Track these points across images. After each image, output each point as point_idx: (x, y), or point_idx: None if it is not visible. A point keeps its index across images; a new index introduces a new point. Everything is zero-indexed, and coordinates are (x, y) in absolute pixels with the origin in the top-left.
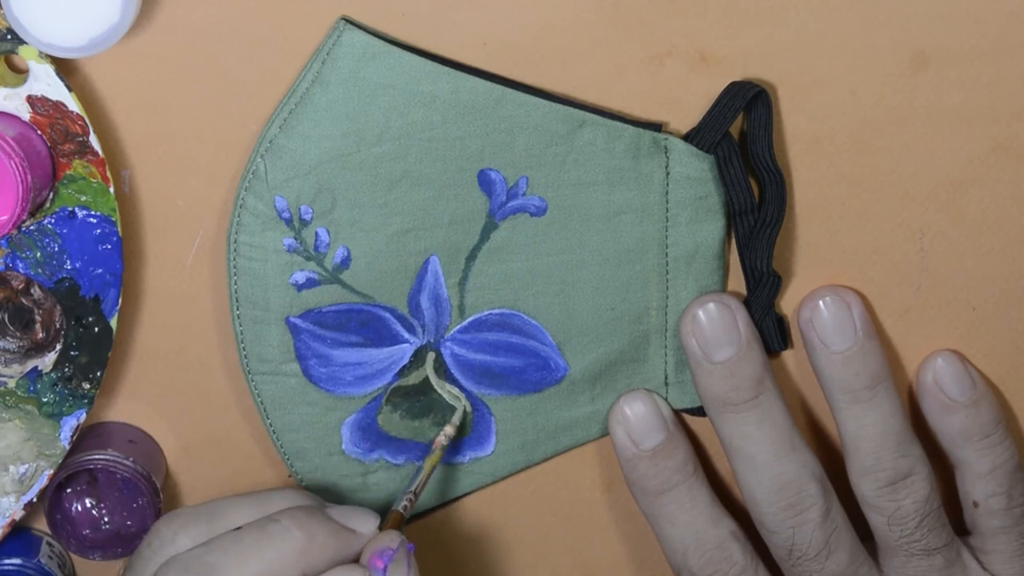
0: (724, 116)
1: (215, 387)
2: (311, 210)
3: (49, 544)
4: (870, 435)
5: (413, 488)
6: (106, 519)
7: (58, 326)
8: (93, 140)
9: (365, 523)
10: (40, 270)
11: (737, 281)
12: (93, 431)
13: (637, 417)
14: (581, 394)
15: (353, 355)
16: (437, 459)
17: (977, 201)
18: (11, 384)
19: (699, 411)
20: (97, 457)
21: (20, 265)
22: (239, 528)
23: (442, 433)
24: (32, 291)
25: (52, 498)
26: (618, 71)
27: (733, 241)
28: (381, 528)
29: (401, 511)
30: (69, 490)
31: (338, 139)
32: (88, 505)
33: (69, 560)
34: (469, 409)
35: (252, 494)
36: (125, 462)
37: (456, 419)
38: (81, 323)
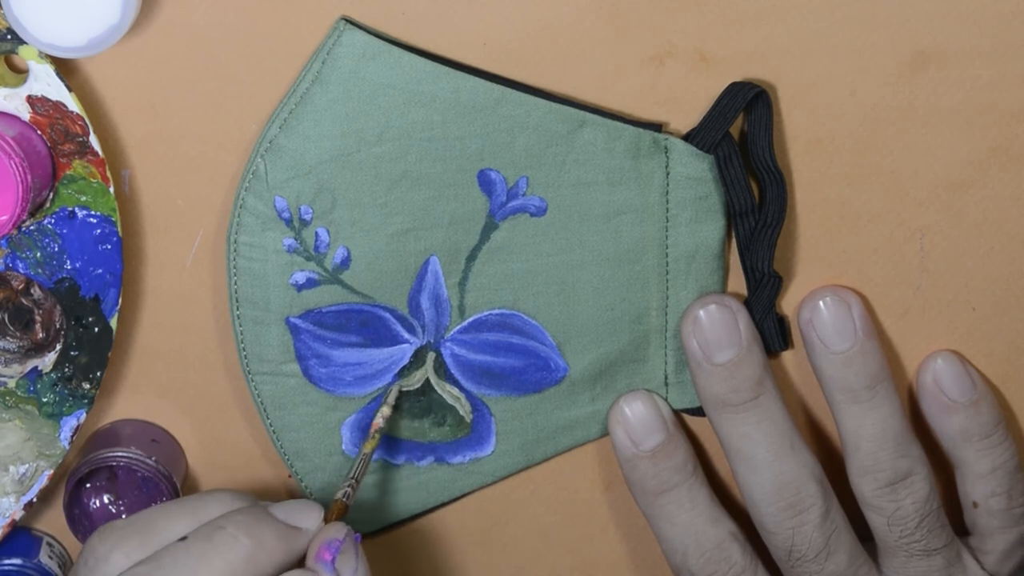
0: (724, 116)
1: (215, 387)
2: (311, 210)
3: (49, 544)
4: (870, 435)
5: (353, 474)
6: (124, 516)
7: (58, 326)
8: (93, 140)
9: (310, 518)
10: (40, 270)
11: (737, 281)
12: (116, 428)
13: (637, 417)
14: (581, 394)
15: (353, 355)
16: (375, 444)
17: (977, 201)
18: (11, 384)
19: (699, 411)
20: (119, 454)
21: (20, 265)
22: (184, 539)
23: (378, 415)
24: (32, 291)
25: (71, 493)
26: (618, 71)
27: (733, 241)
28: (326, 519)
29: (343, 500)
30: (88, 485)
31: (338, 139)
32: (106, 501)
33: (69, 560)
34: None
35: (184, 500)
36: (147, 461)
37: (391, 399)
38: (81, 323)
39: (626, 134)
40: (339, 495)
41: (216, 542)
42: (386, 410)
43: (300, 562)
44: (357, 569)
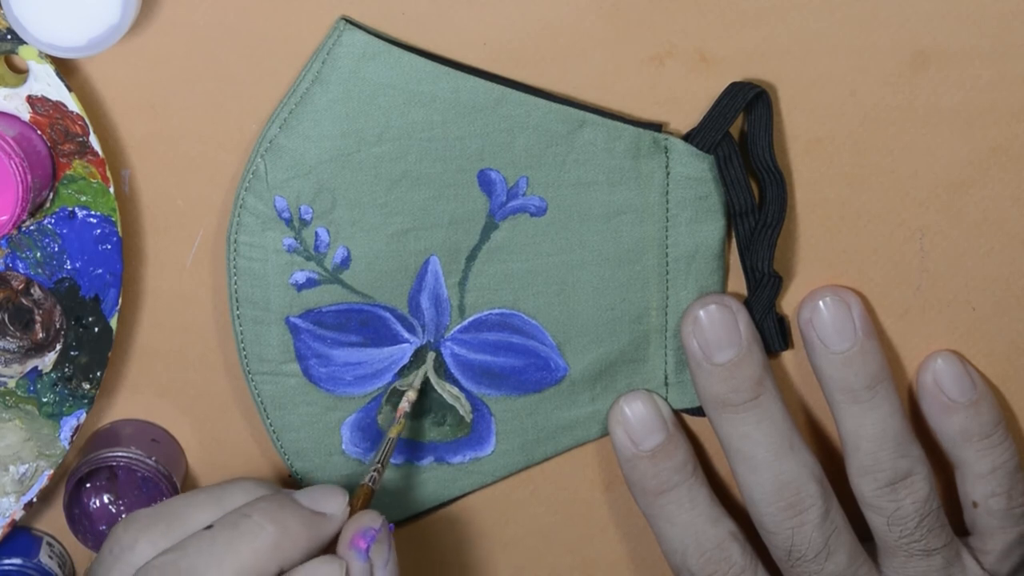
0: (724, 116)
1: (215, 387)
2: (311, 210)
3: (49, 544)
4: (869, 435)
5: (378, 459)
6: (124, 516)
7: (58, 326)
8: (93, 140)
9: (335, 504)
10: (40, 270)
11: (737, 281)
12: (116, 428)
13: (637, 417)
14: (581, 394)
15: (353, 355)
16: (401, 428)
17: (977, 201)
18: (11, 384)
19: (699, 411)
20: (119, 454)
21: (20, 265)
22: (210, 527)
23: (404, 400)
24: (32, 291)
25: (71, 493)
26: (618, 71)
27: (733, 241)
28: (351, 505)
29: (370, 484)
30: (88, 485)
31: (338, 139)
32: (106, 501)
33: (69, 560)
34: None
35: (207, 489)
36: (147, 461)
37: (417, 383)
38: (81, 323)
39: (626, 134)
40: (365, 480)
41: (242, 530)
42: (412, 394)
43: (326, 548)
44: (389, 560)
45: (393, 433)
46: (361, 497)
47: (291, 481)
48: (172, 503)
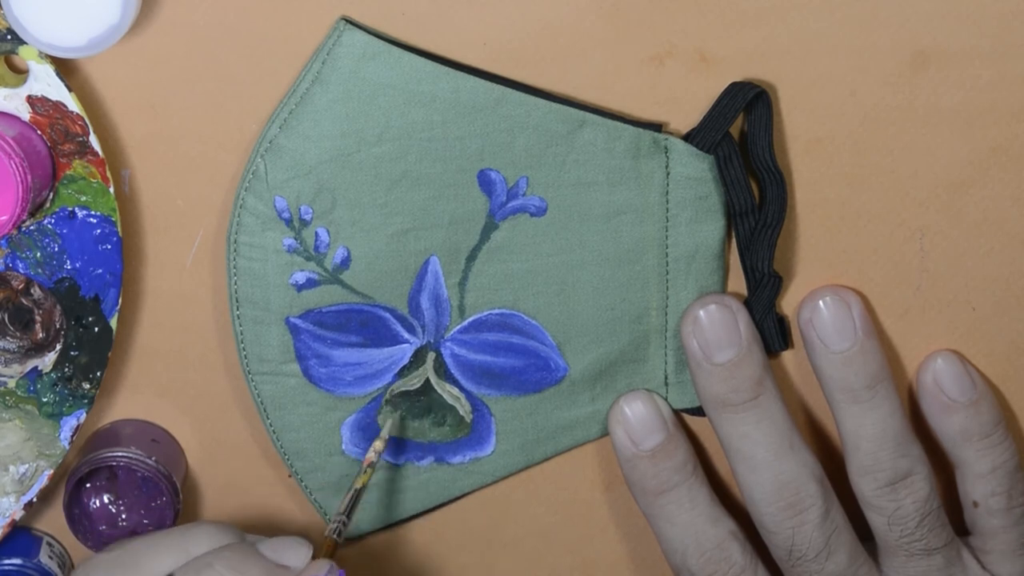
0: (724, 116)
1: (215, 387)
2: (311, 210)
3: (49, 544)
4: (869, 435)
5: (344, 510)
6: (124, 516)
7: (58, 326)
8: (93, 140)
9: (297, 556)
10: (40, 270)
11: (737, 281)
12: (116, 428)
13: (637, 417)
14: (581, 394)
15: (353, 355)
16: (367, 479)
17: (977, 201)
18: (11, 384)
19: (699, 411)
20: (119, 454)
21: (20, 265)
22: None
23: (371, 450)
24: (32, 291)
25: (71, 493)
26: (618, 71)
27: (733, 241)
28: (315, 557)
29: (334, 538)
30: (88, 485)
31: (338, 139)
32: (106, 501)
33: (69, 560)
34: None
35: (168, 533)
36: (147, 461)
37: (385, 433)
38: (81, 323)
39: (626, 134)
40: (329, 532)
41: None
42: (379, 444)
43: None
44: None
45: (359, 483)
46: (324, 550)
47: (292, 482)
48: (133, 548)
